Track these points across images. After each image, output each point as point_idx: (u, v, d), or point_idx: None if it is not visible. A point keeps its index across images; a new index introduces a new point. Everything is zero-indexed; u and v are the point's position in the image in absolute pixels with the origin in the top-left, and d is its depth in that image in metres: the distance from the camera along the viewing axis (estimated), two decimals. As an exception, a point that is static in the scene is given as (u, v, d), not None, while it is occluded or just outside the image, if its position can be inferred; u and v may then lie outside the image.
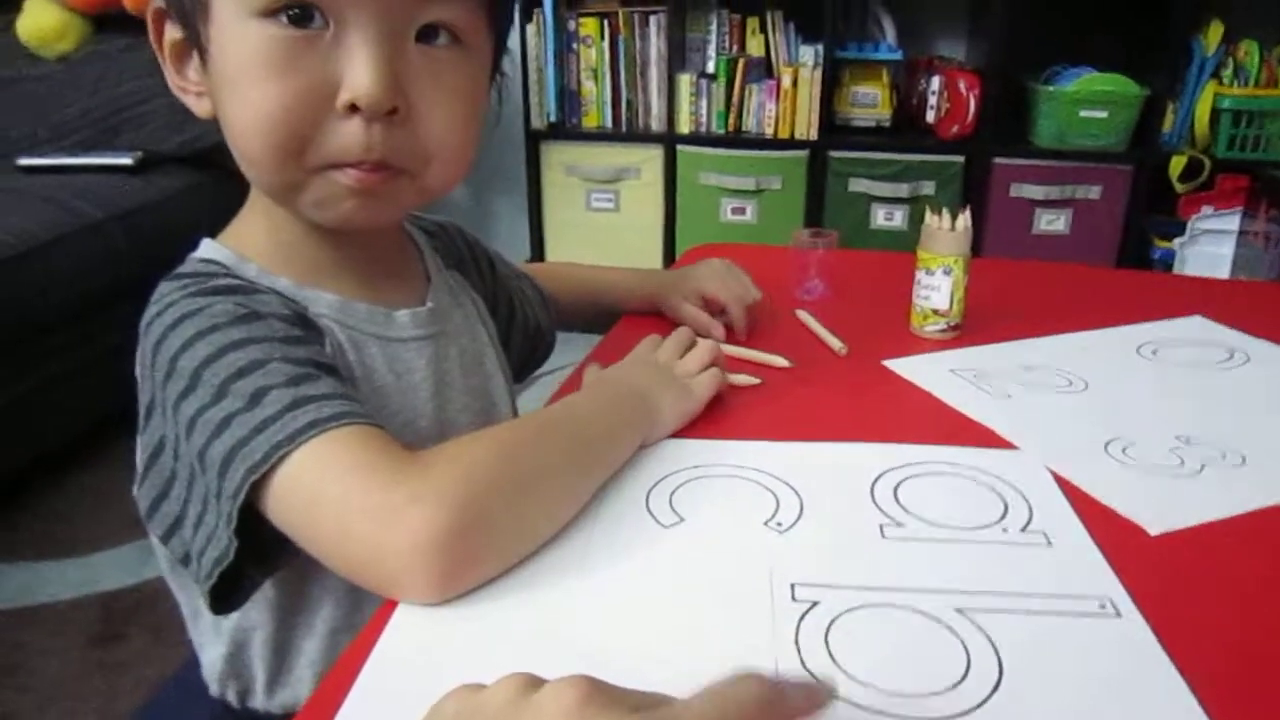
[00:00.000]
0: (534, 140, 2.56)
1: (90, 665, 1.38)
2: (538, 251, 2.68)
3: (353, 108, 0.50)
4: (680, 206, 2.56)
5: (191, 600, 0.62)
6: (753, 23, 2.46)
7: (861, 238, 2.49)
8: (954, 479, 0.60)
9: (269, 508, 0.47)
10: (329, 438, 0.46)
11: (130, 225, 1.90)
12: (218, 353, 0.49)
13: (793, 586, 0.48)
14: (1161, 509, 0.56)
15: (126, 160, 2.02)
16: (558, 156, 2.59)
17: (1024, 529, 0.54)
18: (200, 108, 0.56)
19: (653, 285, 0.91)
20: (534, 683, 0.32)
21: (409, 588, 0.45)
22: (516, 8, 0.61)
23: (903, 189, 2.42)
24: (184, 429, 0.50)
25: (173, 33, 0.54)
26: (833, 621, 0.46)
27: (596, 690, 0.30)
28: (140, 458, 0.56)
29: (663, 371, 0.68)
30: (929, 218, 0.84)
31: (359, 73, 0.49)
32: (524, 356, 0.85)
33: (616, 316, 0.94)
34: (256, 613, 0.59)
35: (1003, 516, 0.56)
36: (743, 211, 2.51)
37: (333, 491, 0.46)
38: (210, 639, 0.62)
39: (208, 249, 0.59)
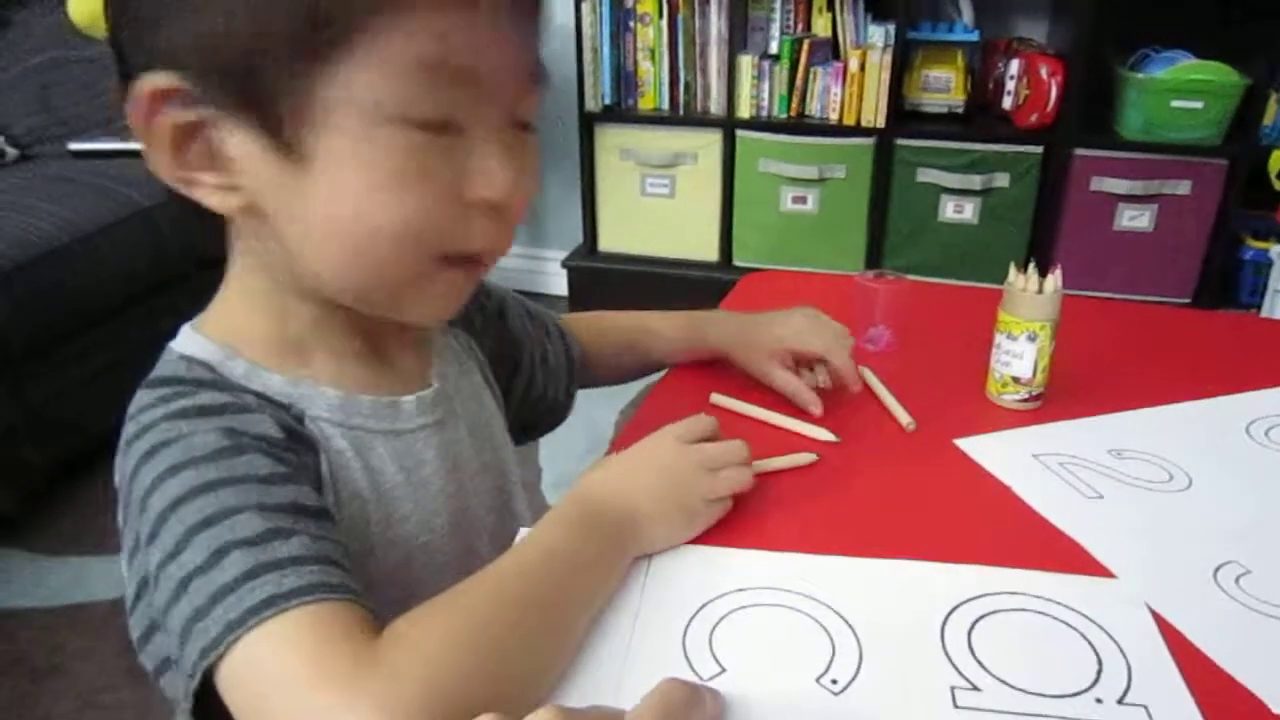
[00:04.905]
0: (588, 122, 2.48)
1: (125, 672, 1.38)
2: (590, 238, 2.61)
3: (485, 203, 0.50)
4: (738, 194, 2.46)
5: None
6: (820, 1, 2.33)
7: (929, 231, 2.37)
8: (1039, 619, 0.52)
9: (221, 690, 0.42)
10: (283, 623, 0.41)
11: (176, 213, 1.87)
12: (188, 494, 0.44)
13: (848, 780, 0.42)
14: (1287, 676, 0.48)
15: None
16: (612, 139, 2.50)
17: (1122, 699, 0.47)
18: (225, 203, 0.48)
19: (720, 334, 0.81)
20: (510, 717, 0.35)
21: None
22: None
23: (975, 181, 2.29)
24: (151, 577, 0.45)
25: (181, 116, 0.46)
26: (894, 838, 0.39)
27: (574, 713, 0.35)
28: (129, 585, 0.51)
29: (676, 482, 0.57)
30: (1013, 275, 0.75)
31: (495, 170, 0.49)
32: (522, 423, 0.77)
33: (660, 368, 0.87)
34: None
35: (1096, 680, 0.48)
36: (804, 201, 2.41)
37: (278, 701, 0.41)
38: None
39: (190, 342, 0.53)
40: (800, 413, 0.75)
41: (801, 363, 0.78)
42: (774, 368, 0.77)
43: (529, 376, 0.76)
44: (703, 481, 0.58)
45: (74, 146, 2.02)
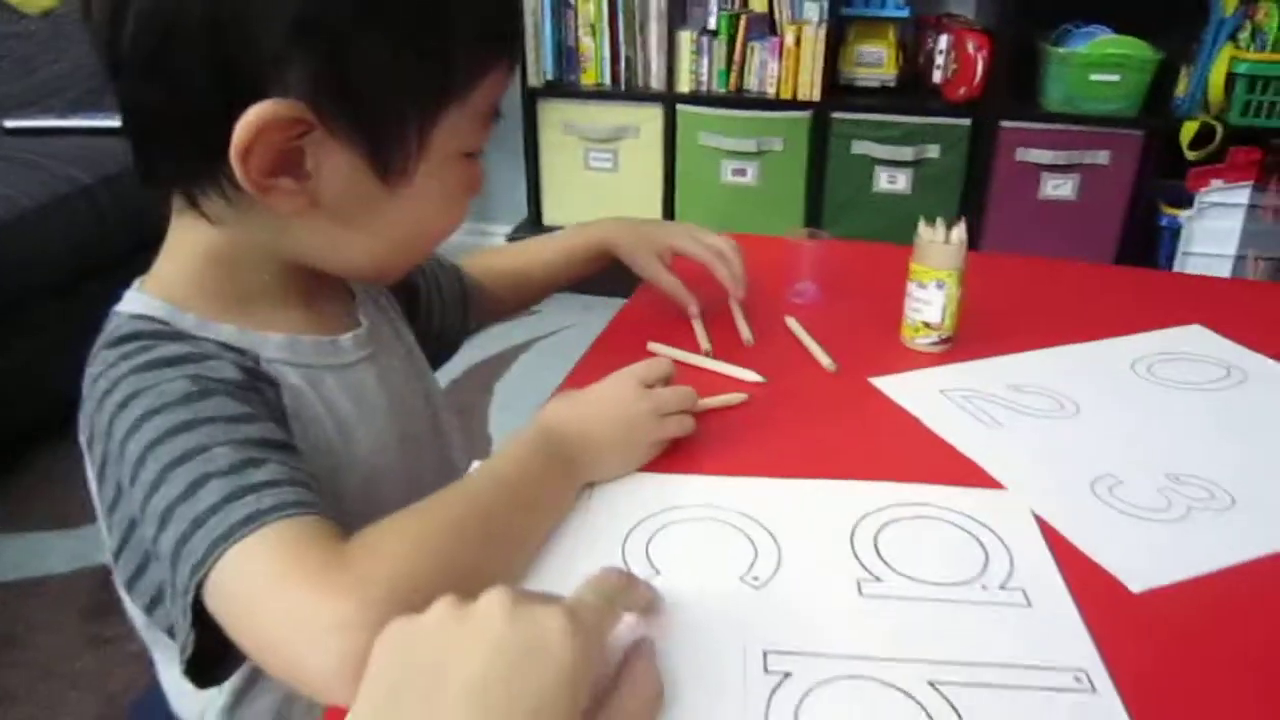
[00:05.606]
0: (531, 97, 2.51)
1: (85, 641, 1.40)
2: (534, 211, 2.64)
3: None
4: (680, 167, 2.51)
5: (166, 656, 0.62)
6: (756, -23, 2.39)
7: (864, 201, 2.45)
8: (937, 524, 0.59)
9: (210, 605, 0.46)
10: (263, 536, 0.45)
11: (118, 190, 1.87)
12: (162, 436, 0.48)
13: (765, 655, 0.48)
14: (1144, 562, 0.56)
15: (114, 122, 1.97)
16: (555, 114, 2.54)
17: (1004, 585, 0.54)
18: (292, 204, 0.52)
19: (605, 235, 0.89)
20: (464, 601, 0.39)
21: (337, 697, 0.43)
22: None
23: (907, 152, 2.37)
24: (138, 516, 0.49)
25: (294, 140, 0.49)
26: (804, 698, 0.45)
27: (521, 592, 0.40)
28: (111, 531, 0.55)
29: (631, 423, 0.63)
30: (922, 228, 0.81)
31: (480, 173, 0.60)
32: (428, 353, 0.81)
33: (550, 291, 0.94)
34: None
35: (983, 570, 0.55)
36: (743, 173, 2.47)
37: (258, 601, 0.45)
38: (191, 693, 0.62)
39: (138, 302, 0.55)
40: (732, 357, 0.81)
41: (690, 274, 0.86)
42: (659, 267, 0.86)
43: (427, 306, 0.82)
44: (653, 425, 0.64)
45: (9, 124, 1.99)
